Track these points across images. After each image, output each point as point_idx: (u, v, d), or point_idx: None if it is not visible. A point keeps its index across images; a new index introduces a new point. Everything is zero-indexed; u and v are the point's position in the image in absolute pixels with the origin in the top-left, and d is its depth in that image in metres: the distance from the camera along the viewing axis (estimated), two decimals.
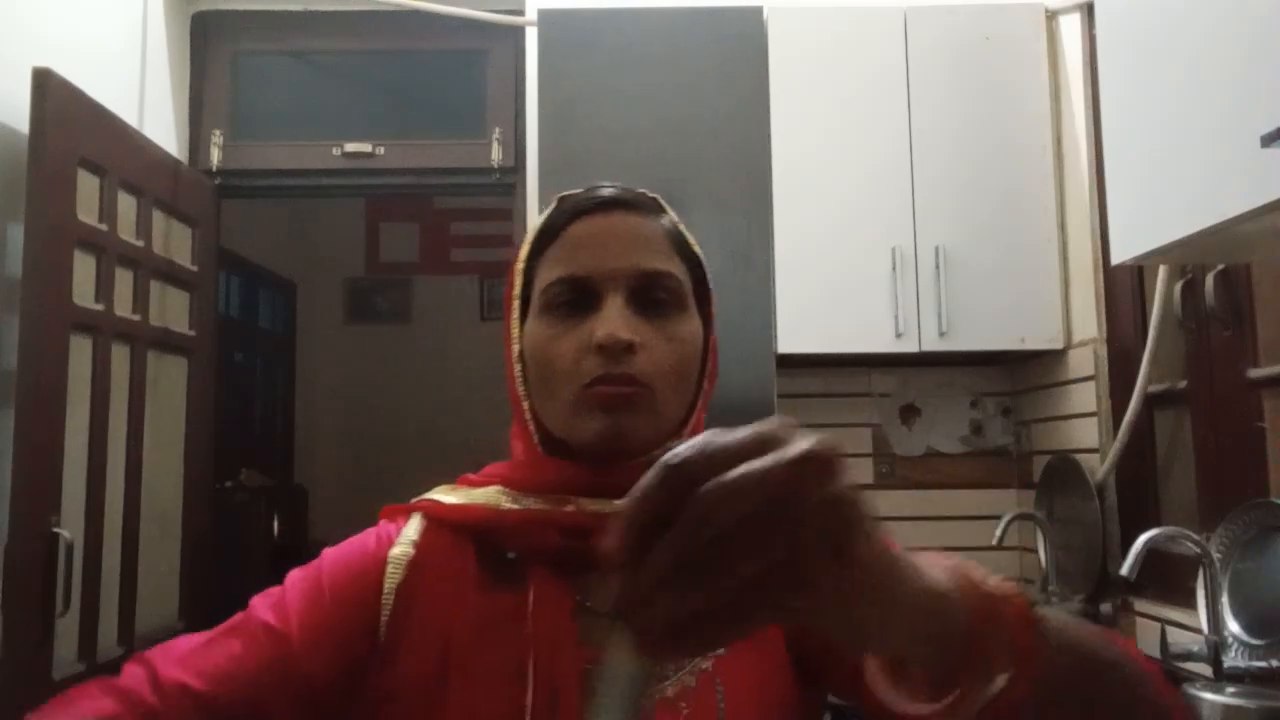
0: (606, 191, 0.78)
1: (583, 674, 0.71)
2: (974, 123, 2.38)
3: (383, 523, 0.82)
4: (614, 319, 0.72)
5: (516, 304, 0.79)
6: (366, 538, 0.80)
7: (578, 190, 0.80)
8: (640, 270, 0.74)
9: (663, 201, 0.81)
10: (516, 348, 0.78)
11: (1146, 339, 1.98)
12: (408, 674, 0.73)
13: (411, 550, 0.77)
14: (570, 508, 0.74)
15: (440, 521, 0.79)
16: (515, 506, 0.76)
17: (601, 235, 0.75)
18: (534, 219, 0.84)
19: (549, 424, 0.76)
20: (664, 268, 0.75)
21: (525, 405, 0.78)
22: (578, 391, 0.73)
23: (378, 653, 0.74)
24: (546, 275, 0.76)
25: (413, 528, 0.80)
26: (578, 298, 0.74)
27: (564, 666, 0.71)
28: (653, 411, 0.74)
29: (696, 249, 0.80)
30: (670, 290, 0.75)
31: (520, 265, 0.79)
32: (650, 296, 0.74)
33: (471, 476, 0.82)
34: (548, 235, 0.78)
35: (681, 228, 0.80)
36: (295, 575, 0.78)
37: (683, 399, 0.76)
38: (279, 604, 0.75)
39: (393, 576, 0.76)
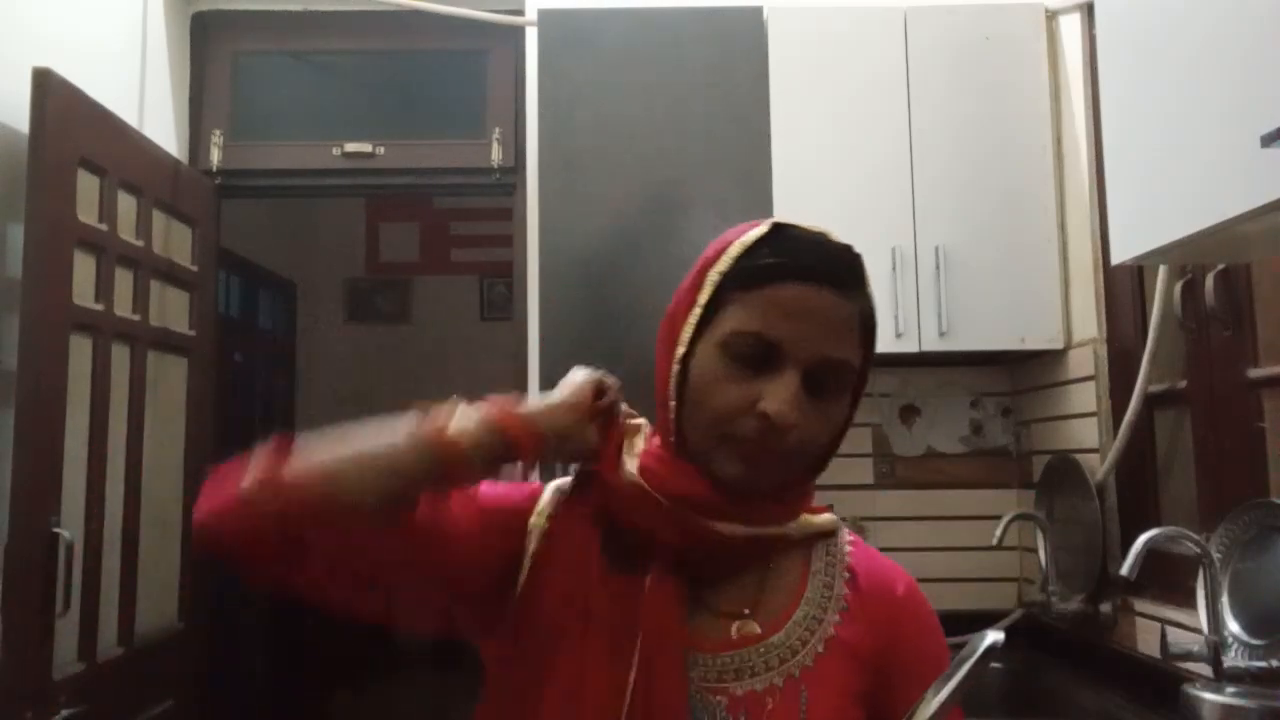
0: (824, 260, 0.78)
1: (683, 659, 0.77)
2: (974, 123, 2.37)
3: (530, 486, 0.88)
4: (787, 397, 0.75)
5: (698, 311, 0.80)
6: (520, 489, 0.87)
7: (798, 226, 0.81)
8: (826, 358, 0.77)
9: (864, 266, 0.82)
10: (681, 350, 0.80)
11: (1146, 339, 1.97)
12: (526, 641, 0.79)
13: (545, 523, 0.84)
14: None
15: (573, 498, 0.85)
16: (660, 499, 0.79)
17: (804, 310, 0.76)
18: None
19: (689, 434, 0.80)
20: (846, 358, 0.78)
21: (672, 405, 0.81)
22: (728, 435, 0.77)
23: (512, 607, 0.81)
24: (739, 319, 0.77)
25: (546, 500, 0.86)
26: (760, 355, 0.76)
27: (667, 651, 0.76)
28: (786, 469, 0.80)
29: (875, 330, 0.82)
30: (842, 378, 0.79)
31: (715, 277, 0.80)
32: (823, 380, 0.77)
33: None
34: (752, 272, 0.78)
35: (873, 304, 0.82)
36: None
37: (814, 460, 0.82)
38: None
39: (532, 544, 0.83)
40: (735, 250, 0.80)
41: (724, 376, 0.77)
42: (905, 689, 0.82)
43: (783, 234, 0.80)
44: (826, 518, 0.87)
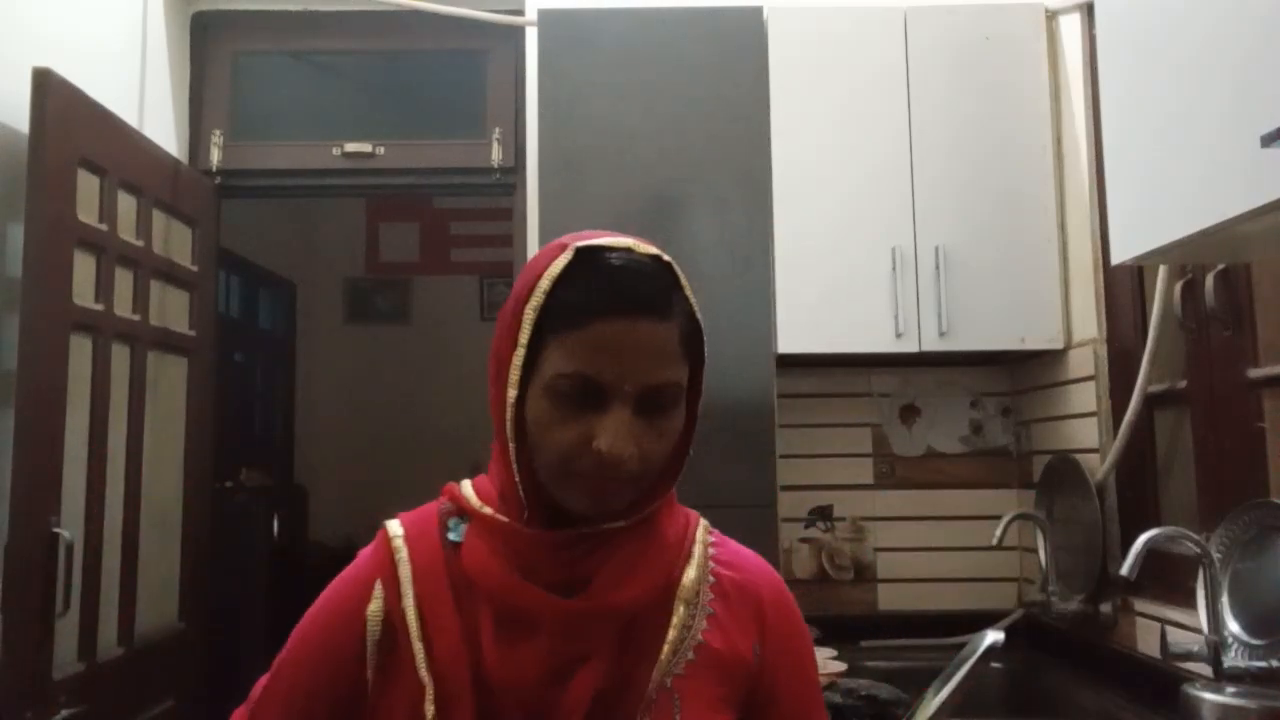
0: (633, 286, 0.77)
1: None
2: (974, 123, 2.37)
3: (370, 551, 0.87)
4: (620, 432, 0.76)
5: (522, 352, 0.79)
6: (346, 598, 0.86)
7: (603, 247, 0.79)
8: (650, 385, 0.77)
9: (676, 273, 0.81)
10: (514, 393, 0.79)
11: (1146, 339, 1.97)
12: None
13: (384, 606, 0.83)
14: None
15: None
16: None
17: (623, 345, 0.76)
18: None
19: (538, 471, 0.80)
20: (671, 378, 0.78)
21: (512, 445, 0.80)
22: (571, 473, 0.78)
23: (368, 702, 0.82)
24: (559, 361, 0.77)
25: (379, 586, 0.84)
26: (586, 393, 0.76)
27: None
28: (635, 490, 0.80)
29: (700, 333, 0.82)
30: (671, 395, 0.79)
31: (530, 314, 0.79)
32: (653, 402, 0.78)
33: (461, 505, 0.86)
34: (565, 312, 0.77)
35: (691, 308, 0.81)
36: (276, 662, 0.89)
37: (665, 471, 0.83)
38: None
39: (373, 633, 0.83)
40: (545, 284, 0.79)
41: (556, 419, 0.77)
42: (774, 690, 0.85)
43: (589, 262, 0.79)
44: (699, 537, 0.88)
